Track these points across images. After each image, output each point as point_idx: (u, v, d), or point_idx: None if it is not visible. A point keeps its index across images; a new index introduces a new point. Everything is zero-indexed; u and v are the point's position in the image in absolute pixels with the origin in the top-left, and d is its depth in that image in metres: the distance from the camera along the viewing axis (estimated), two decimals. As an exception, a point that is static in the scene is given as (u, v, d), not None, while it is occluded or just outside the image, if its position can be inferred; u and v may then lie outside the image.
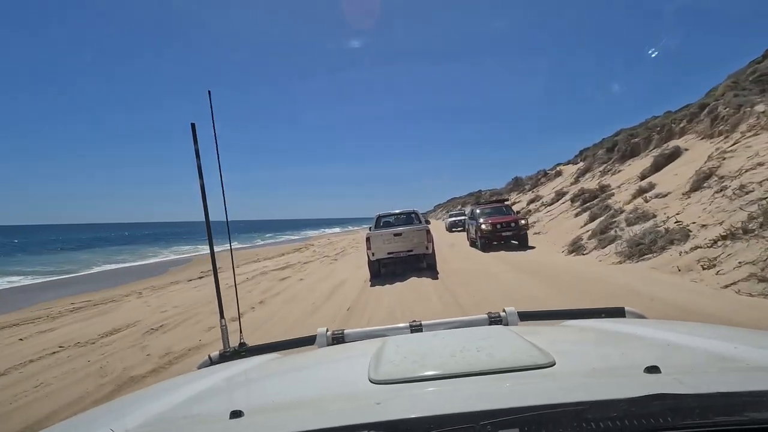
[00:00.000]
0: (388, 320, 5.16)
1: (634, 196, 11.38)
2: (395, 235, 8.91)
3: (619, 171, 17.38)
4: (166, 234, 63.64)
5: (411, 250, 8.93)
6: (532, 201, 24.44)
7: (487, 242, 12.54)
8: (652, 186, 11.28)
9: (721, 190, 7.42)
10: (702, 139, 13.19)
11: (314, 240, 33.64)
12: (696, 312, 4.19)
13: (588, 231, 10.86)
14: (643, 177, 13.16)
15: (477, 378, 0.73)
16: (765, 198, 6.06)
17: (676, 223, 7.37)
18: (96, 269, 19.74)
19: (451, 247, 14.29)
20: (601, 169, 20.22)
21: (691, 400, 0.54)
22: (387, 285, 8.02)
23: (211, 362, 1.37)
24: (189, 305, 7.61)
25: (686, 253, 6.15)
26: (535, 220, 17.86)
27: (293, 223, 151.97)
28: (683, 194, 8.77)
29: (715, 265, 5.33)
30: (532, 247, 11.96)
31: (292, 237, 46.92)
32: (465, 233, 16.96)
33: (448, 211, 42.33)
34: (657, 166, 13.14)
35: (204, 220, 1.58)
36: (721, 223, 6.29)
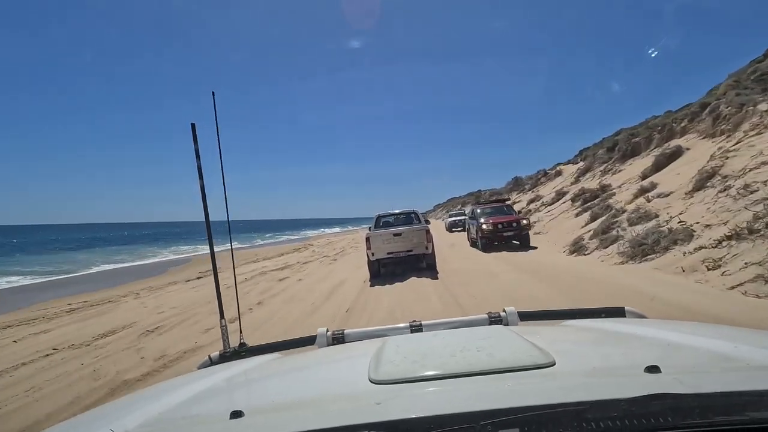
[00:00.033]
0: (388, 321, 5.08)
1: (636, 196, 11.29)
2: (395, 235, 8.88)
3: (620, 170, 17.30)
4: (165, 234, 63.54)
5: (411, 250, 8.89)
6: (532, 201, 24.37)
7: (488, 242, 12.36)
8: (653, 185, 11.19)
9: (725, 190, 7.33)
10: (704, 138, 13.11)
11: (313, 240, 33.55)
12: (702, 313, 4.11)
13: (589, 231, 10.77)
14: (644, 176, 13.07)
15: (477, 378, 0.73)
16: (770, 197, 5.98)
17: (679, 223, 7.28)
18: (95, 269, 19.65)
19: (451, 247, 14.20)
20: (601, 168, 20.13)
21: (691, 399, 0.54)
22: (387, 285, 7.95)
23: (211, 362, 1.36)
24: (186, 306, 7.52)
25: (690, 253, 6.06)
26: (536, 220, 17.77)
27: (293, 223, 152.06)
28: (686, 194, 8.69)
29: (720, 266, 5.24)
30: (534, 248, 11.83)
31: (292, 237, 46.84)
32: (465, 233, 16.85)
33: (447, 211, 42.25)
34: (658, 166, 13.05)
35: (204, 220, 1.57)
36: (725, 223, 6.20)
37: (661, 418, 0.50)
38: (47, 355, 5.05)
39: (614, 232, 9.21)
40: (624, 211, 10.41)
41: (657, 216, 8.57)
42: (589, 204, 14.45)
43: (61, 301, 9.80)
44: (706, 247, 5.88)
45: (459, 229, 22.95)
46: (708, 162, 9.13)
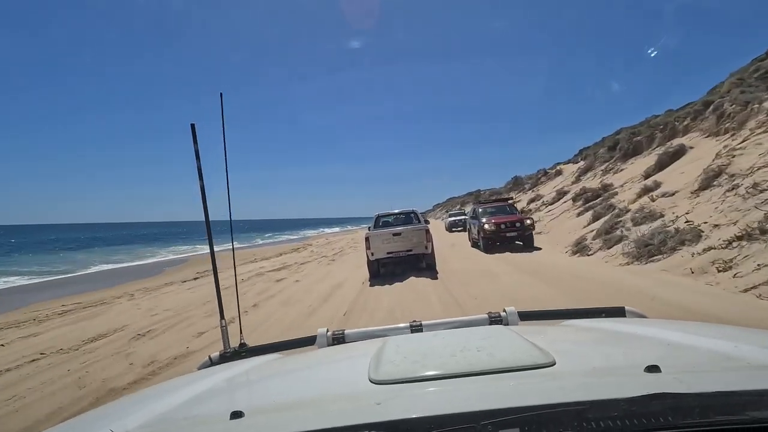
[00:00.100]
0: (388, 322, 4.91)
1: (639, 195, 11.11)
2: (394, 234, 8.82)
3: (622, 170, 17.11)
4: (165, 234, 63.38)
5: (410, 250, 8.85)
6: (532, 200, 24.21)
7: (490, 243, 12.00)
8: (657, 185, 11.01)
9: (733, 189, 7.15)
10: (707, 137, 12.92)
11: (312, 240, 33.38)
12: (715, 318, 3.92)
13: (592, 231, 10.59)
14: (647, 175, 12.89)
15: (477, 378, 0.73)
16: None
17: (686, 222, 7.09)
18: (93, 269, 19.52)
19: (451, 248, 14.01)
20: (602, 167, 19.95)
21: (691, 399, 0.54)
22: (386, 285, 7.81)
23: (212, 363, 1.36)
24: (181, 308, 7.34)
25: (699, 254, 5.88)
26: (537, 220, 17.58)
27: (293, 223, 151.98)
28: (692, 193, 8.50)
29: (731, 268, 5.06)
30: (538, 248, 11.56)
31: (291, 237, 46.67)
32: (465, 233, 16.63)
33: (447, 211, 42.06)
34: (661, 165, 12.86)
35: (204, 220, 1.58)
36: (735, 223, 6.02)
37: (661, 417, 0.50)
38: (33, 360, 4.87)
39: (618, 232, 9.03)
40: (628, 211, 10.22)
41: (662, 216, 8.38)
42: (590, 203, 14.26)
43: (56, 302, 9.65)
44: (715, 248, 5.70)
45: (459, 229, 22.77)
46: (714, 160, 8.94)
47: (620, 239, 8.56)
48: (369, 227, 9.75)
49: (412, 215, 9.96)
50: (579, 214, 14.13)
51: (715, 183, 8.04)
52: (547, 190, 25.00)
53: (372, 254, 8.80)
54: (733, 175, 7.67)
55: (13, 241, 52.70)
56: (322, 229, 67.32)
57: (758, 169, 7.14)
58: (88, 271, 18.90)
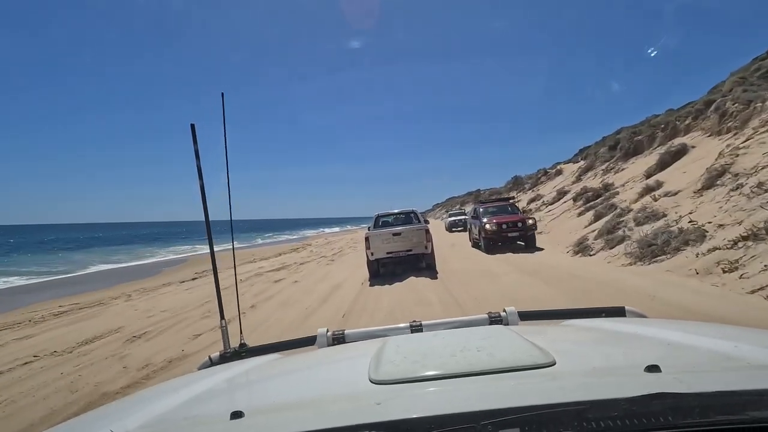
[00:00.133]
0: (388, 322, 4.83)
1: (641, 195, 11.02)
2: (394, 234, 8.77)
3: (623, 169, 17.03)
4: (165, 233, 63.27)
5: (410, 250, 8.81)
6: (532, 200, 24.12)
7: (491, 243, 11.84)
8: (659, 184, 10.92)
9: (737, 188, 7.06)
10: (709, 136, 12.83)
11: (312, 240, 33.30)
12: (722, 320, 3.83)
13: (593, 231, 10.50)
14: (649, 175, 12.80)
15: (477, 378, 0.73)
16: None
17: (690, 222, 7.00)
18: (92, 269, 19.43)
19: (451, 248, 13.92)
20: (603, 167, 19.86)
21: (691, 399, 0.54)
22: (386, 285, 7.74)
23: (212, 363, 1.35)
24: (178, 309, 7.25)
25: (703, 254, 5.79)
26: (537, 220, 17.51)
27: (292, 223, 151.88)
28: (695, 192, 8.41)
29: (737, 268, 4.97)
30: (540, 249, 11.41)
31: (291, 237, 46.57)
32: (465, 233, 16.53)
33: (447, 211, 41.97)
34: (663, 164, 12.78)
35: (204, 220, 1.57)
36: (740, 223, 5.93)
37: (661, 417, 0.50)
38: (26, 363, 4.78)
39: (620, 232, 8.94)
40: (630, 211, 10.13)
41: (665, 215, 8.30)
42: (591, 203, 14.18)
43: (52, 303, 9.56)
44: (720, 248, 5.61)
45: (459, 229, 22.70)
46: (717, 159, 8.86)
47: (622, 239, 8.47)
48: (369, 227, 9.70)
49: (412, 215, 9.91)
50: (580, 214, 14.05)
51: (718, 182, 7.96)
52: (548, 189, 24.92)
53: (372, 254, 8.75)
54: (737, 174, 7.58)
55: (12, 241, 52.59)
56: (321, 229, 67.22)
57: (763, 168, 7.06)
58: (87, 271, 18.80)
